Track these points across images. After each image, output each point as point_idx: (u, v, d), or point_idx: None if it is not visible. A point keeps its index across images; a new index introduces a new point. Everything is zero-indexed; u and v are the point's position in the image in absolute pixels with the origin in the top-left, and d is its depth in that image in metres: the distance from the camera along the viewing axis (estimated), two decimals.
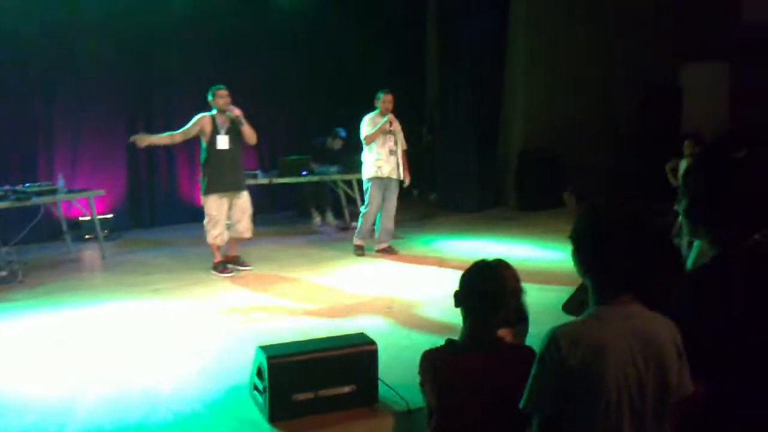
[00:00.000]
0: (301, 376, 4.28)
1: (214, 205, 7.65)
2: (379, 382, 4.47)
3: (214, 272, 7.79)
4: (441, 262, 8.33)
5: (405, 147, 8.65)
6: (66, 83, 9.64)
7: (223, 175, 7.64)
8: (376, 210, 8.55)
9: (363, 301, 6.83)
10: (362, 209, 8.66)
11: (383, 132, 8.35)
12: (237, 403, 4.55)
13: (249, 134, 7.80)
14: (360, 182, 10.13)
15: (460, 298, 2.85)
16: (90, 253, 9.04)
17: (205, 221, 7.72)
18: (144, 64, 10.24)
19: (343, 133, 10.45)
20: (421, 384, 2.94)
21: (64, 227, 8.91)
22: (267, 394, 4.24)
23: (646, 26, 12.22)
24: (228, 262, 7.93)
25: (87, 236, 9.57)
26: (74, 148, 9.84)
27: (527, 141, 12.00)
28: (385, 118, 8.34)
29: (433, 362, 2.83)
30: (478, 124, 11.68)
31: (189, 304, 6.77)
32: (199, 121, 7.66)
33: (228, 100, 7.69)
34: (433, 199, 12.79)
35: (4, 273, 7.66)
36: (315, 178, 10.07)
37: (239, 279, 7.70)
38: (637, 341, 2.04)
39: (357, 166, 10.12)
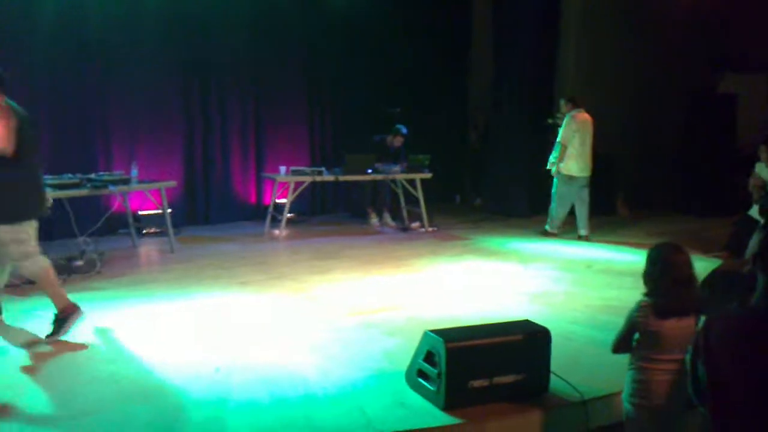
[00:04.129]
0: (477, 362, 4.09)
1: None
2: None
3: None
4: (534, 261, 8.18)
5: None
6: (124, 76, 9.42)
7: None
8: None
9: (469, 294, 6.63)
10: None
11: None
12: (394, 389, 4.34)
13: None
14: (422, 181, 10.03)
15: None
16: (158, 246, 8.78)
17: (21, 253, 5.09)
18: (202, 58, 10.06)
19: (404, 130, 10.28)
20: (695, 353, 2.78)
21: (130, 219, 8.67)
22: (443, 380, 4.03)
23: (693, 35, 12.20)
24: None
25: (146, 230, 9.32)
26: (131, 141, 9.60)
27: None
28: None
29: (726, 327, 2.67)
30: (530, 130, 11.55)
31: (283, 296, 6.54)
32: None
33: None
34: (478, 204, 12.65)
35: (80, 263, 7.40)
36: (379, 177, 9.88)
37: (323, 272, 7.46)
38: None
39: (418, 166, 10.03)
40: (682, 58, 12.24)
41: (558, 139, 9.42)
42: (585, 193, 9.44)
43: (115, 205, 8.79)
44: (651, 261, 3.63)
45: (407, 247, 8.96)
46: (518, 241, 9.44)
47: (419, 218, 10.17)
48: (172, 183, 8.62)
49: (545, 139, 11.46)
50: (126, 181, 7.90)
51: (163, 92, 9.82)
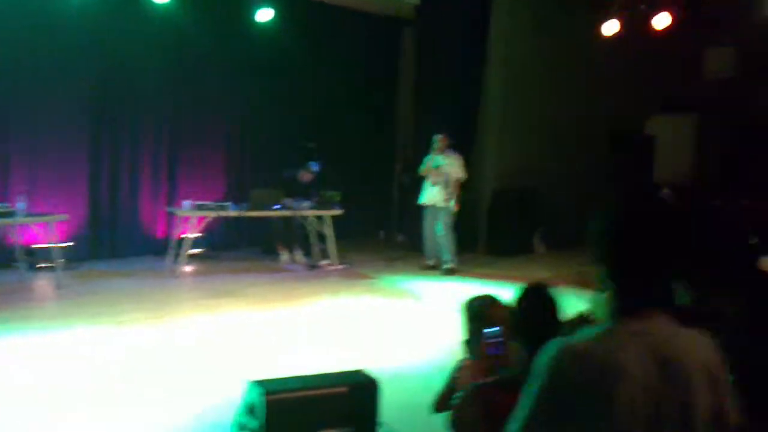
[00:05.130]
0: (300, 415, 3.89)
1: None
2: (380, 424, 4.11)
3: None
4: (419, 302, 8.07)
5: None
6: (27, 102, 9.14)
7: None
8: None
9: (347, 337, 6.48)
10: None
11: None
12: None
13: None
14: (347, 218, 9.93)
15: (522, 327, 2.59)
16: (46, 281, 8.46)
17: None
18: (109, 86, 9.79)
19: (315, 166, 10.14)
20: (458, 421, 2.64)
21: (18, 253, 8.36)
22: None
23: (615, 75, 12.31)
24: None
25: (39, 265, 9.00)
26: (32, 171, 9.29)
27: (500, 182, 11.89)
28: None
29: (485, 398, 2.53)
30: None
31: (159, 336, 6.31)
32: None
33: None
34: (400, 240, 12.51)
35: None
36: (288, 213, 9.69)
37: (209, 311, 7.25)
38: (655, 363, 1.67)
39: (328, 202, 9.89)
40: (608, 98, 12.35)
41: (448, 174, 9.80)
42: None
43: (7, 239, 8.49)
44: (469, 316, 3.46)
45: (306, 285, 8.79)
46: (425, 280, 9.32)
47: (330, 256, 10.00)
48: (64, 216, 8.33)
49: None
50: (10, 214, 7.62)
51: (69, 121, 9.50)
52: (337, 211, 9.93)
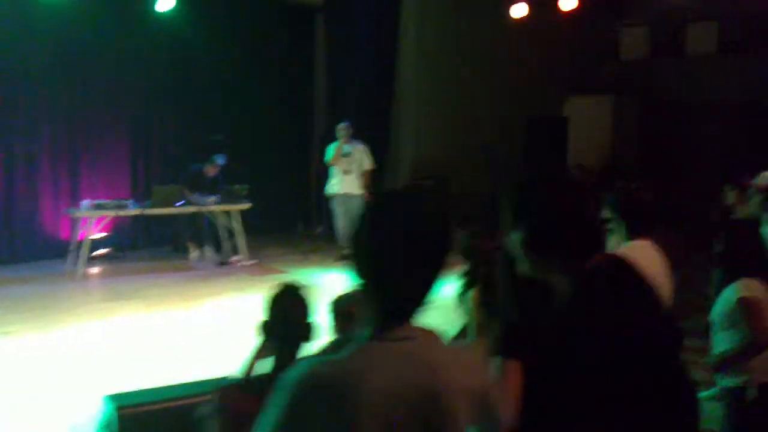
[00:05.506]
0: (157, 428, 3.65)
1: None
2: None
3: None
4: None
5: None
6: None
7: None
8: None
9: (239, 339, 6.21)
10: None
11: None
12: None
13: None
14: (240, 213, 9.61)
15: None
16: None
17: None
18: (6, 80, 9.27)
19: (221, 160, 9.80)
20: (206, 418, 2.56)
21: None
22: None
23: (530, 60, 12.27)
24: None
25: None
26: None
27: (415, 172, 11.76)
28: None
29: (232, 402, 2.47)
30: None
31: (42, 346, 5.98)
32: None
33: None
34: (318, 232, 12.27)
35: None
36: (191, 209, 9.35)
37: (105, 317, 6.92)
38: (408, 388, 1.45)
39: (235, 196, 9.60)
40: (524, 81, 12.31)
41: (367, 165, 9.87)
42: None
43: None
44: (336, 313, 3.22)
45: (211, 284, 8.53)
46: (339, 272, 9.12)
47: (240, 251, 9.72)
48: None
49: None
50: None
51: None
52: (244, 206, 9.64)
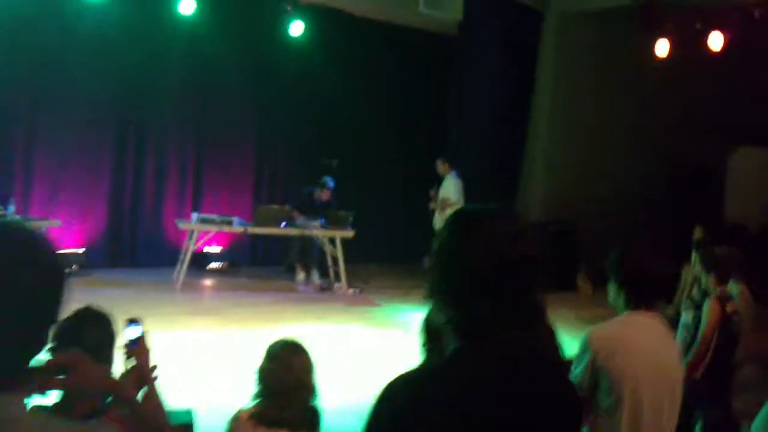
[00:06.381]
0: None
1: None
2: None
3: None
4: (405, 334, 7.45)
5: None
6: (53, 109, 9.19)
7: None
8: None
9: None
10: None
11: None
12: None
13: None
14: (343, 240, 9.41)
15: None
16: None
17: None
18: (131, 100, 9.75)
19: (331, 183, 9.68)
20: None
21: None
22: None
23: (678, 106, 11.24)
24: None
25: None
26: (55, 176, 9.35)
27: (545, 215, 11.06)
28: None
29: None
30: (497, 195, 10.78)
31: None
32: None
33: None
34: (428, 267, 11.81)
35: None
36: (294, 231, 9.28)
37: (171, 329, 6.91)
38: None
39: (341, 221, 9.42)
40: (673, 126, 11.32)
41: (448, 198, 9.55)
42: None
43: None
44: (269, 357, 3.02)
45: (299, 308, 8.41)
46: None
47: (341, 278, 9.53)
48: (57, 222, 8.29)
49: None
50: None
51: (94, 128, 9.57)
52: (348, 233, 9.41)
